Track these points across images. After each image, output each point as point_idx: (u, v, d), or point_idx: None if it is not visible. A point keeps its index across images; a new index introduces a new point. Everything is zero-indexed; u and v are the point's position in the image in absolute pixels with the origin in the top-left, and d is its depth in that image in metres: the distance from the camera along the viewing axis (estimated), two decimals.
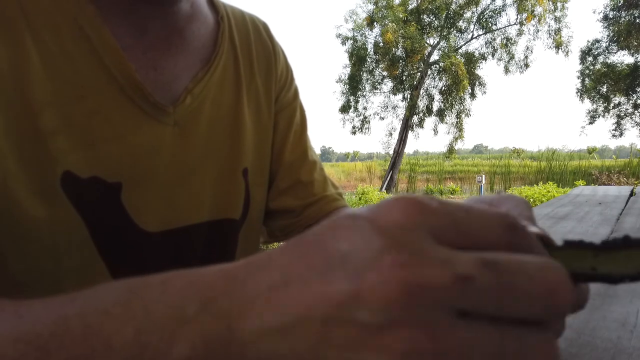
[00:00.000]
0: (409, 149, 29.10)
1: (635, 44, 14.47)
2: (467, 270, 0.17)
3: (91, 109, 0.42)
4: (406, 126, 15.39)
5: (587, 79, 16.29)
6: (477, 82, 15.39)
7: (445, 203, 0.19)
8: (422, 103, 15.80)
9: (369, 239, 0.18)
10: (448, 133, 15.98)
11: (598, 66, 15.90)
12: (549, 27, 14.51)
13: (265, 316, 0.18)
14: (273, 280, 0.19)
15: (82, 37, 0.42)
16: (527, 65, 15.15)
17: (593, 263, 0.25)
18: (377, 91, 16.49)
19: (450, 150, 16.07)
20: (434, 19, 15.15)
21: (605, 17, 15.19)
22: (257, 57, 0.58)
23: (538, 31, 14.63)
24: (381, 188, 13.66)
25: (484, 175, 13.06)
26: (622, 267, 0.24)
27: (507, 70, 15.41)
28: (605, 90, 15.98)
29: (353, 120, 16.74)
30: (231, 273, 0.20)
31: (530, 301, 0.18)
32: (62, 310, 0.21)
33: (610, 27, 15.09)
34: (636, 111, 15.83)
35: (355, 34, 15.89)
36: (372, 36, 15.68)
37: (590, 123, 16.67)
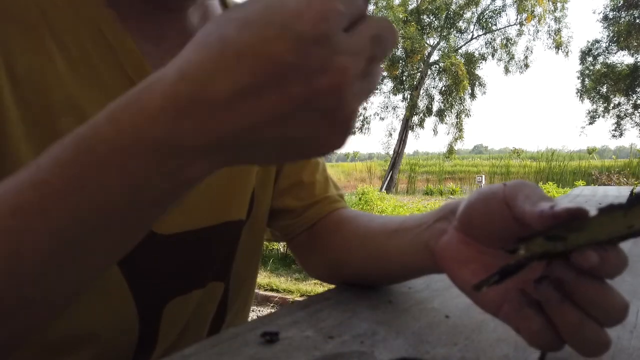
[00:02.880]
0: (408, 149, 29.13)
1: (635, 44, 14.47)
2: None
3: None
4: (406, 126, 15.39)
5: (587, 79, 16.29)
6: (477, 83, 15.39)
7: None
8: (422, 103, 15.81)
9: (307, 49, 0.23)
10: (448, 133, 16.00)
11: (598, 66, 15.91)
12: (548, 27, 14.53)
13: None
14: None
15: (102, 41, 0.42)
16: (527, 66, 15.16)
17: (626, 222, 0.26)
18: (377, 91, 16.49)
19: (450, 151, 16.07)
20: (433, 19, 15.15)
21: (605, 18, 15.20)
22: None
23: (538, 31, 14.66)
24: (381, 188, 13.65)
25: (483, 176, 13.08)
26: None
27: (507, 70, 15.41)
28: (605, 90, 15.98)
29: None
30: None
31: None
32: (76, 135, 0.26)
33: (610, 28, 15.10)
34: (636, 111, 15.83)
35: None
36: None
37: (590, 123, 16.69)
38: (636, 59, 15.12)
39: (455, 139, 15.81)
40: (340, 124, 0.25)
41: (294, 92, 0.23)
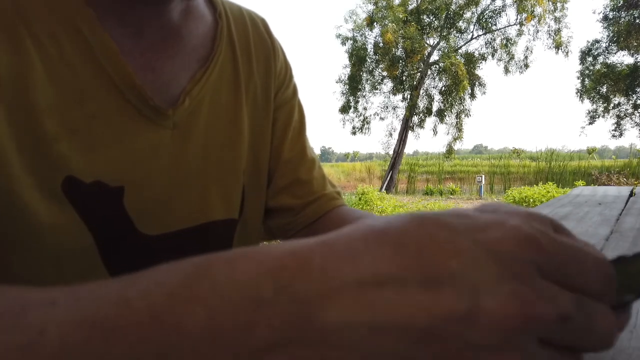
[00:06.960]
0: (408, 149, 29.15)
1: (635, 44, 14.47)
2: (567, 310, 0.19)
3: (91, 113, 0.42)
4: (406, 126, 15.39)
5: (587, 79, 16.30)
6: (476, 83, 15.40)
7: (554, 241, 0.21)
8: (422, 103, 15.81)
9: (484, 263, 0.19)
10: (448, 133, 16.01)
11: (598, 66, 15.91)
12: (548, 27, 14.52)
13: (353, 311, 0.18)
14: (362, 276, 0.19)
15: (80, 41, 0.42)
16: (527, 66, 15.16)
17: None
18: (377, 91, 16.51)
19: (450, 151, 16.07)
20: (433, 19, 15.15)
21: (605, 18, 15.20)
22: (256, 54, 0.57)
23: (538, 31, 14.64)
24: (381, 188, 13.66)
25: (483, 176, 13.07)
26: None
27: (507, 70, 15.41)
28: (605, 90, 15.99)
29: (353, 120, 16.76)
30: (303, 255, 0.20)
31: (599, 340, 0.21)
32: (123, 292, 0.20)
33: (610, 28, 15.10)
34: (636, 111, 15.84)
35: (355, 34, 15.90)
36: (372, 36, 15.70)
37: (590, 123, 16.69)
38: (636, 59, 15.12)
39: (455, 139, 15.82)
40: None
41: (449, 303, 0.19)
